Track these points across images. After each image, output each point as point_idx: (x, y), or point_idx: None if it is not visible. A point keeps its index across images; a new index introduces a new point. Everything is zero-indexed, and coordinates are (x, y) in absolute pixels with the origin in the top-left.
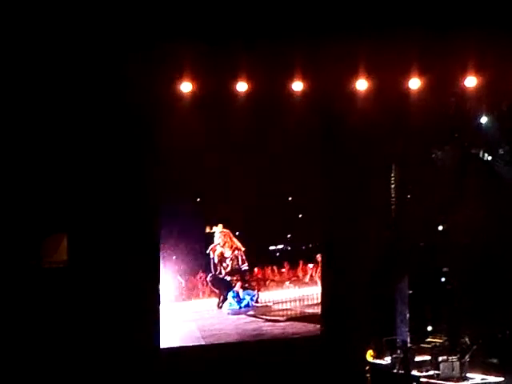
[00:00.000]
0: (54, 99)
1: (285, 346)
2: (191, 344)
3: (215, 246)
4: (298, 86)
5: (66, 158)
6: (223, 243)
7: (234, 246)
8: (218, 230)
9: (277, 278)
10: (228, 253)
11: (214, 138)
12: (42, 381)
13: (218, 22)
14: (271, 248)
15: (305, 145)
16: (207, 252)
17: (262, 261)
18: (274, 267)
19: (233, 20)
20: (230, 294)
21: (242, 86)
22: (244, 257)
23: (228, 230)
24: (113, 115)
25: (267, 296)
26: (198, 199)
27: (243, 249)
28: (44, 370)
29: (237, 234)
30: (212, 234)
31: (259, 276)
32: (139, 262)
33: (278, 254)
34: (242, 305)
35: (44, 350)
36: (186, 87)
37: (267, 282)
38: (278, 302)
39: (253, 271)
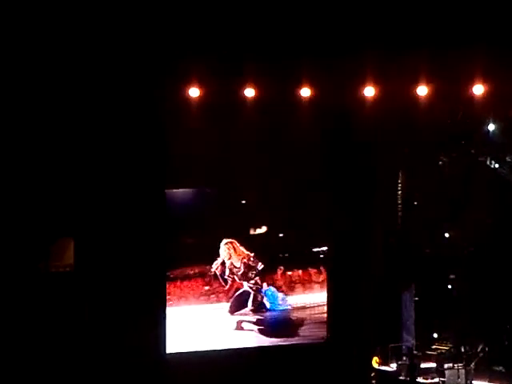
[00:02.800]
0: (64, 106)
1: (290, 352)
2: (198, 349)
3: (221, 260)
4: (305, 92)
5: (74, 163)
6: (230, 256)
7: (242, 255)
8: (223, 242)
9: (321, 279)
10: (238, 262)
11: (234, 144)
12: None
13: (227, 29)
14: (315, 250)
15: (312, 151)
16: (213, 270)
17: (304, 262)
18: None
19: (242, 27)
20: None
21: (249, 92)
22: (255, 259)
23: (232, 240)
24: (122, 121)
25: (308, 298)
26: (243, 201)
27: (251, 254)
28: (50, 373)
29: (280, 235)
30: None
31: (304, 278)
32: (145, 266)
33: (321, 255)
34: (274, 306)
35: (50, 353)
36: (195, 92)
37: (311, 284)
38: (319, 305)
39: (296, 273)
